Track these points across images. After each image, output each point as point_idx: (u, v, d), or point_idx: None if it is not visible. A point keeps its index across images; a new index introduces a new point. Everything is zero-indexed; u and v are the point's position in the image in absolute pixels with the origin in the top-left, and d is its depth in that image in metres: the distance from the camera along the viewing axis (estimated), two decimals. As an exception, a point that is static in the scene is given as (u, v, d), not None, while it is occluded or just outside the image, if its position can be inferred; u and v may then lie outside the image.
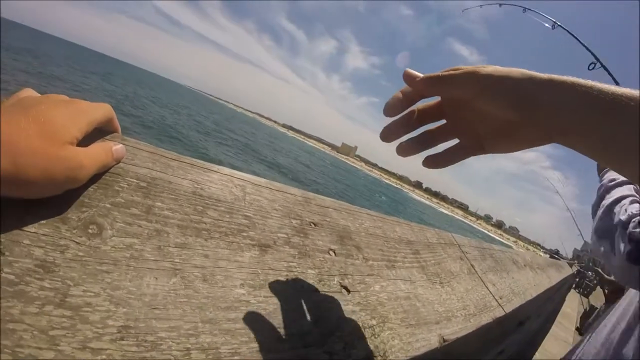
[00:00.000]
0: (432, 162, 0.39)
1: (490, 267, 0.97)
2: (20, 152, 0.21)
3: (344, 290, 0.39)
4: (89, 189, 0.28)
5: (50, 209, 0.25)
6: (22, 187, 0.22)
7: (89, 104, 0.29)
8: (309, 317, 0.33)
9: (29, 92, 0.27)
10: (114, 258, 0.26)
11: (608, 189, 0.83)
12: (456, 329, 0.52)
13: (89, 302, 0.23)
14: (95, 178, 0.29)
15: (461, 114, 0.36)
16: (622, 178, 0.83)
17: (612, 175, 0.88)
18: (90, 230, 0.26)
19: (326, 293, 0.37)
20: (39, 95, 0.27)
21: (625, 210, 0.69)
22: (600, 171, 0.98)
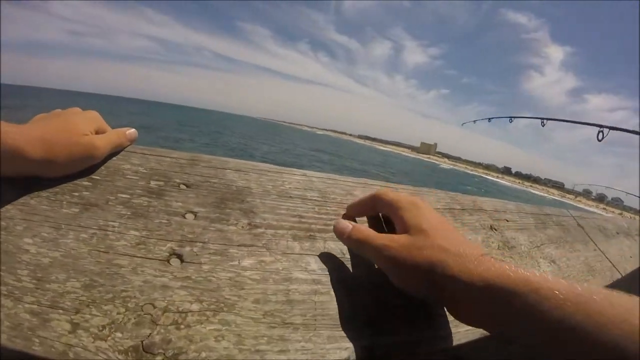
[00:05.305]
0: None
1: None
2: (53, 142, 0.31)
3: (173, 259, 0.31)
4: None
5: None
6: (54, 167, 0.31)
7: (88, 112, 0.37)
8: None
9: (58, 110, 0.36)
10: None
11: None
12: None
13: None
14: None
15: None
16: None
17: None
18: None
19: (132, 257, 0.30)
20: (63, 110, 0.36)
21: None
22: None
